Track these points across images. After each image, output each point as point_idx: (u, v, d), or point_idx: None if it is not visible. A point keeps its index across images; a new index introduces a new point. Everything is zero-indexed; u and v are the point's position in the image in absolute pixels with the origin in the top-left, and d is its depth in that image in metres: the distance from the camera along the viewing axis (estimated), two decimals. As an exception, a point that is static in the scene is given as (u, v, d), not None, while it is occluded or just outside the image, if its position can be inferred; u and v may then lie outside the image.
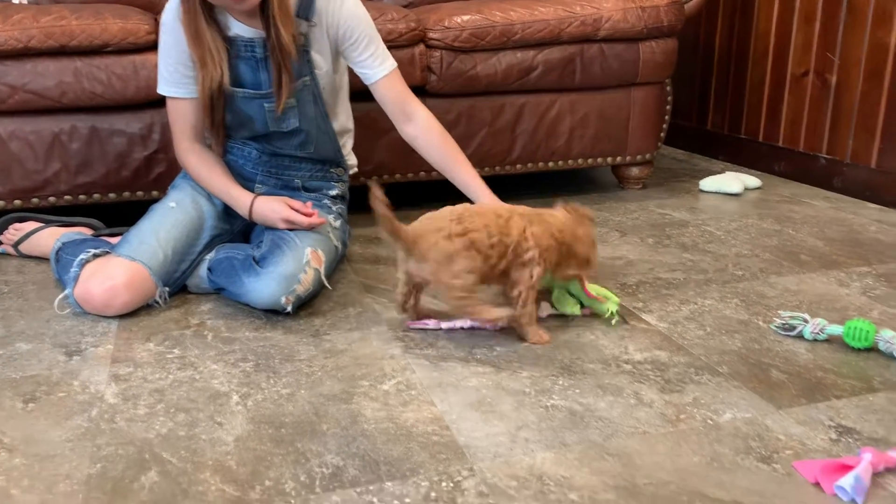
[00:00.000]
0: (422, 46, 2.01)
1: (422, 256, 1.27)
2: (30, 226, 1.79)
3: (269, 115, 1.52)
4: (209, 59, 1.43)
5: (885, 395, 1.13)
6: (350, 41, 1.53)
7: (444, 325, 1.37)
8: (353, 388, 1.18)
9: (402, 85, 1.61)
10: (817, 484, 0.93)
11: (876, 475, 0.94)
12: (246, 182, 1.60)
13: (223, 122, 1.54)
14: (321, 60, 1.54)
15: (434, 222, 1.29)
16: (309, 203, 1.55)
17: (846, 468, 0.93)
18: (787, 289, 1.55)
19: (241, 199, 1.54)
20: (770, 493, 0.92)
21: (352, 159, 1.75)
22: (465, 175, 1.61)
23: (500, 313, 1.29)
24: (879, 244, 1.82)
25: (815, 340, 1.31)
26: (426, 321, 1.37)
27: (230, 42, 1.47)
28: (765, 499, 0.91)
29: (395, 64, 1.60)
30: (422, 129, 1.61)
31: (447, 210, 1.32)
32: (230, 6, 1.41)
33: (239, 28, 1.47)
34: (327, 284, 1.51)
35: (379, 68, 1.57)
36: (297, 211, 1.50)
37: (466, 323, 1.36)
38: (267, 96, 1.50)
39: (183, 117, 1.55)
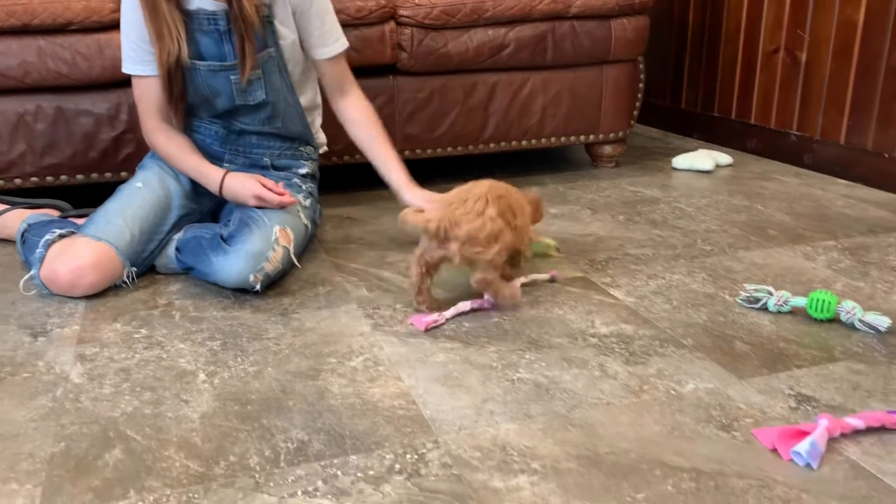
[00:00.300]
0: (392, 24, 1.99)
1: (468, 238, 1.27)
2: (-5, 208, 1.77)
3: (236, 88, 1.51)
4: (166, 32, 1.42)
5: (845, 365, 1.16)
6: (305, 14, 1.53)
7: (448, 314, 1.33)
8: (321, 365, 1.18)
9: (345, 65, 1.65)
10: (775, 450, 0.95)
11: (832, 441, 0.96)
12: (213, 161, 1.59)
13: (182, 97, 1.52)
14: (286, 31, 1.52)
15: (471, 204, 1.29)
16: (281, 184, 1.54)
17: (803, 434, 0.95)
18: (754, 263, 1.56)
19: (211, 175, 1.53)
20: (729, 460, 0.93)
21: (321, 137, 1.74)
22: (387, 155, 1.64)
23: (516, 289, 1.36)
24: (846, 218, 1.84)
25: (779, 312, 1.33)
26: (434, 317, 1.31)
27: (191, 16, 1.45)
28: (723, 465, 0.92)
29: (347, 44, 1.61)
30: (354, 106, 1.65)
31: (473, 191, 1.32)
32: None
33: (200, 1, 1.45)
34: (297, 263, 1.50)
35: (329, 47, 1.58)
36: (268, 189, 1.49)
37: (467, 306, 1.35)
38: (232, 68, 1.49)
39: (149, 96, 1.53)
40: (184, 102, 1.54)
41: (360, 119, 1.65)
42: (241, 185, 1.50)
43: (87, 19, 1.75)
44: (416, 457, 0.95)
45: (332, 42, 1.58)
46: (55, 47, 1.76)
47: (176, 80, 1.48)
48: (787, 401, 1.06)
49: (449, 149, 2.17)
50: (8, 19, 1.70)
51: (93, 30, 1.77)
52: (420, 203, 1.53)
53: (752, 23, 2.49)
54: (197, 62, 1.48)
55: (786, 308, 1.32)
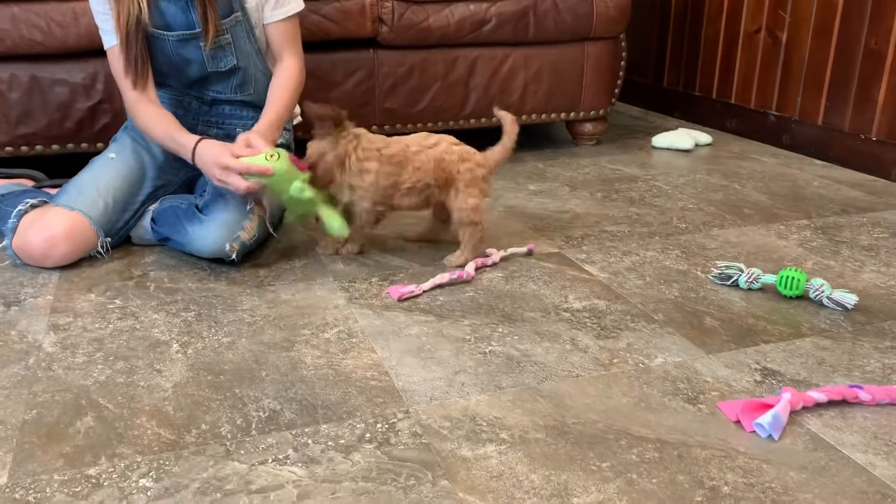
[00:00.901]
0: (373, -3, 1.98)
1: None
2: (-31, 177, 1.75)
3: (206, 55, 1.50)
4: None
5: (811, 340, 1.18)
6: None
7: (425, 286, 1.34)
8: (295, 336, 1.18)
9: (291, 33, 1.57)
10: (738, 422, 0.97)
11: (794, 413, 0.98)
12: None
13: (143, 61, 1.47)
14: None
15: (454, 147, 1.46)
16: (256, 143, 1.42)
17: (766, 407, 0.97)
18: (728, 241, 1.58)
19: (183, 141, 1.43)
20: (693, 431, 0.95)
21: (294, 108, 1.72)
22: (266, 111, 1.52)
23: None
24: (820, 198, 1.86)
25: (750, 289, 1.35)
26: (410, 288, 1.32)
27: None
28: (687, 436, 0.94)
29: (294, 10, 1.55)
30: (279, 70, 1.56)
31: (442, 138, 1.46)
32: None
33: None
34: (273, 233, 1.50)
35: (274, 12, 1.53)
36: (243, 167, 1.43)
37: (445, 279, 1.36)
38: (200, 36, 1.47)
39: (121, 66, 1.51)
40: (146, 68, 1.48)
41: (275, 80, 1.55)
42: (210, 153, 1.38)
43: (61, -14, 1.72)
44: (386, 426, 0.96)
45: (281, 6, 1.53)
46: (29, 14, 1.73)
47: (133, 43, 1.44)
48: (753, 375, 1.08)
49: (429, 124, 2.16)
50: (-20, -15, 1.67)
51: (68, -3, 1.75)
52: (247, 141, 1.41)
53: (734, 2, 2.50)
54: (165, 33, 1.46)
55: (756, 285, 1.34)
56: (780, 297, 1.32)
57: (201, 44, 1.48)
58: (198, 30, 1.46)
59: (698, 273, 1.42)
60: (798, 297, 1.31)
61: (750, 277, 1.34)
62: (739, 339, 1.18)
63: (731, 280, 1.36)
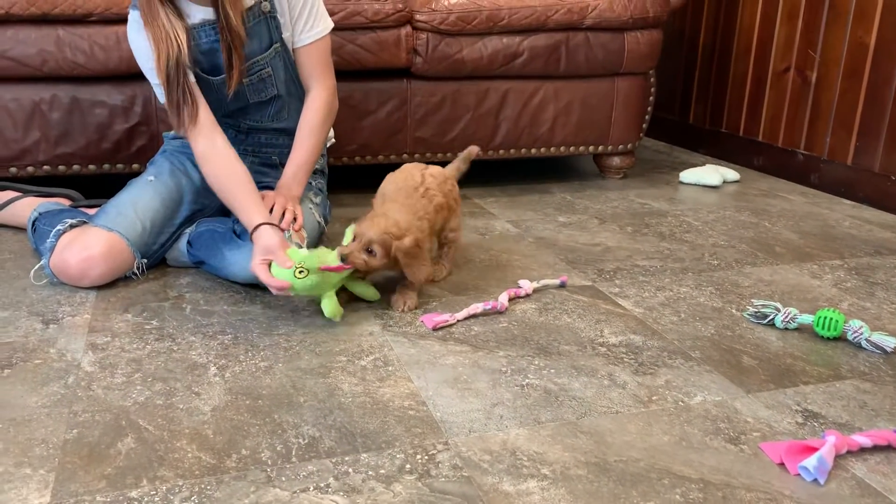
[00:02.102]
0: (408, 28, 2.00)
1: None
2: (7, 195, 1.77)
3: (250, 89, 1.52)
4: (163, 36, 1.39)
5: (852, 383, 1.16)
6: (290, 1, 1.50)
7: (459, 315, 1.34)
8: (331, 363, 1.18)
9: (321, 57, 1.56)
10: (782, 464, 0.96)
11: (839, 457, 0.97)
12: None
13: (186, 101, 1.43)
14: (285, 22, 1.51)
15: (432, 171, 1.50)
16: (296, 224, 1.44)
17: (810, 450, 0.96)
18: (761, 279, 1.57)
19: (244, 219, 1.38)
20: (736, 472, 0.94)
21: (325, 140, 1.74)
22: (293, 156, 1.53)
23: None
24: (852, 239, 1.85)
25: (786, 329, 1.34)
26: (444, 317, 1.32)
27: (195, 31, 1.44)
28: (731, 477, 0.93)
29: (324, 32, 1.54)
30: (307, 105, 1.56)
31: (416, 169, 1.50)
32: None
33: (203, 13, 1.44)
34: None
35: (303, 35, 1.53)
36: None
37: (479, 308, 1.36)
38: (245, 72, 1.49)
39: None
40: (193, 110, 1.44)
41: (303, 118, 1.55)
42: (264, 236, 1.33)
43: (106, 11, 1.76)
44: (426, 457, 0.95)
45: (308, 29, 1.53)
46: (74, 37, 1.76)
47: (175, 85, 1.42)
48: (795, 416, 1.07)
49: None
50: (29, 8, 1.70)
51: (112, 21, 1.78)
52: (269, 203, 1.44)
53: (763, 41, 2.51)
54: (211, 77, 1.48)
55: (793, 325, 1.33)
56: (818, 337, 1.31)
57: (244, 80, 1.49)
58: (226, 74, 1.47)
59: (733, 311, 1.41)
60: (836, 339, 1.30)
61: (786, 317, 1.33)
62: (778, 379, 1.17)
63: (768, 319, 1.35)
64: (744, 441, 1.01)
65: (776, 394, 1.13)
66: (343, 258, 1.30)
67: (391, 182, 1.48)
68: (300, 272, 1.26)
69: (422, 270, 1.35)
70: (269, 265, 1.29)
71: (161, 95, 1.46)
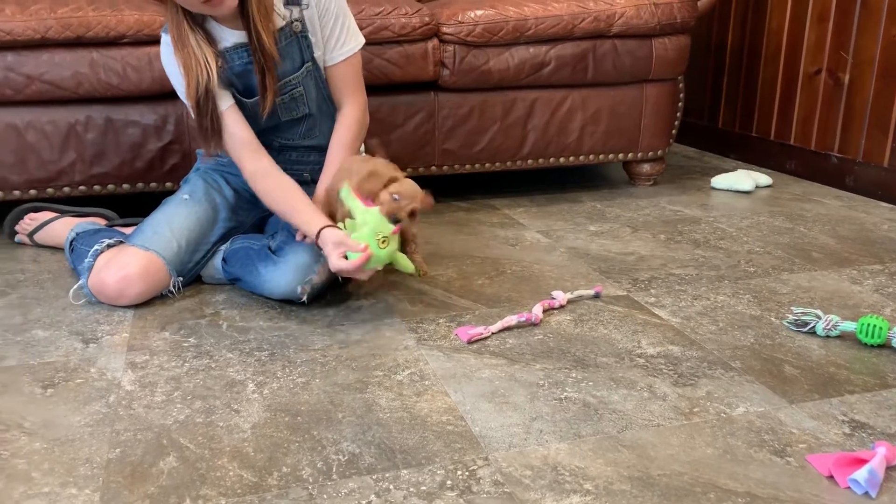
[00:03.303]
0: (435, 41, 2.01)
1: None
2: (45, 216, 1.80)
3: (282, 108, 1.53)
4: (193, 62, 1.40)
5: (899, 391, 1.14)
6: (322, 18, 1.51)
7: (494, 328, 1.33)
8: (368, 377, 1.18)
9: (352, 74, 1.57)
10: (831, 477, 0.94)
11: (890, 469, 0.95)
12: None
13: (214, 127, 1.46)
14: (316, 41, 1.52)
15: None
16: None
17: (860, 462, 0.94)
18: (800, 286, 1.55)
19: (306, 226, 1.41)
20: (783, 486, 0.92)
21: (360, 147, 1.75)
22: (325, 174, 1.54)
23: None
24: (892, 242, 1.81)
25: (828, 337, 1.32)
26: (479, 330, 1.32)
27: (227, 55, 1.45)
28: (778, 491, 0.91)
29: (354, 49, 1.55)
30: (339, 123, 1.57)
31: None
32: (206, 11, 1.38)
33: (234, 36, 1.45)
34: (341, 278, 1.51)
35: (335, 53, 1.53)
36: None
37: (513, 321, 1.35)
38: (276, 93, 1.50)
39: (231, 133, 1.47)
40: (217, 133, 1.47)
41: (334, 136, 1.57)
42: (330, 236, 1.35)
43: (139, 32, 1.79)
44: (467, 473, 0.95)
45: (340, 47, 1.53)
46: (107, 59, 1.79)
47: (206, 110, 1.43)
48: (841, 427, 1.05)
49: (487, 164, 2.18)
50: (63, 31, 1.74)
51: (143, 43, 1.81)
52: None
53: (793, 44, 2.48)
54: (245, 99, 1.50)
55: (835, 332, 1.31)
56: (861, 345, 1.28)
57: (276, 101, 1.50)
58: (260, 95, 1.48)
59: (772, 319, 1.39)
60: (880, 346, 1.28)
61: (828, 324, 1.31)
62: (822, 388, 1.15)
63: (808, 327, 1.33)
64: (790, 453, 0.99)
65: (821, 404, 1.11)
66: (394, 220, 1.34)
67: (350, 162, 1.49)
68: (382, 241, 1.31)
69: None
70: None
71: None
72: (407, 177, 1.43)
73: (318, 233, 1.36)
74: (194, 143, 1.90)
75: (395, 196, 1.35)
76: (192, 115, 1.46)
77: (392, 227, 1.33)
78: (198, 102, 1.42)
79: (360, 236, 1.32)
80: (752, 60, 2.66)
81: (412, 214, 1.37)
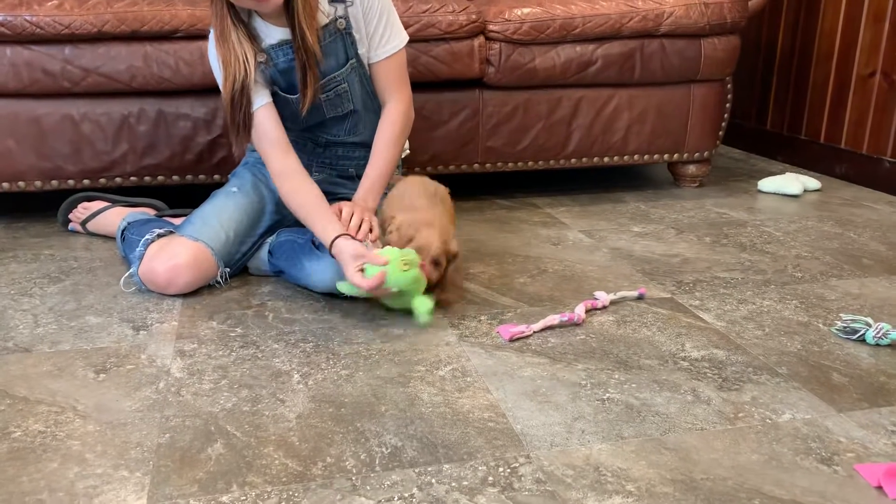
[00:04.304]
0: (481, 38, 2.01)
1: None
2: (97, 205, 1.85)
3: (327, 105, 1.55)
4: (233, 57, 1.42)
5: (952, 403, 1.11)
6: (366, 16, 1.52)
7: (536, 326, 1.34)
8: (410, 372, 1.20)
9: (397, 71, 1.57)
10: (880, 488, 0.92)
11: (942, 482, 0.93)
12: None
13: (245, 124, 1.47)
14: (360, 38, 1.53)
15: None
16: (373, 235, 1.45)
17: (911, 473, 0.92)
18: (849, 292, 1.52)
19: (321, 234, 1.41)
20: (830, 495, 0.91)
21: (400, 154, 1.75)
22: (370, 168, 1.55)
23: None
24: (946, 250, 1.77)
25: (878, 345, 1.29)
26: (521, 328, 1.32)
27: (274, 50, 1.47)
28: (825, 499, 0.90)
29: (399, 46, 1.55)
30: (384, 119, 1.58)
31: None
32: (253, 7, 1.41)
33: (280, 33, 1.47)
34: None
35: (380, 50, 1.54)
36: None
37: (555, 320, 1.35)
38: (320, 91, 1.52)
39: (263, 130, 1.48)
40: (247, 130, 1.48)
41: (379, 132, 1.57)
42: (345, 247, 1.35)
43: (191, 27, 1.82)
44: (508, 470, 0.95)
45: (384, 44, 1.54)
46: (160, 53, 1.83)
47: (239, 105, 1.45)
48: (891, 437, 1.03)
49: (530, 163, 2.17)
50: (119, 25, 1.78)
51: (196, 37, 1.84)
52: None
53: (846, 45, 2.43)
54: (289, 96, 1.52)
55: (885, 341, 1.28)
56: (913, 354, 1.26)
57: (320, 97, 1.52)
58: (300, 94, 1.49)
59: (820, 325, 1.37)
60: (933, 356, 1.25)
61: (878, 332, 1.28)
62: (871, 397, 1.13)
63: (858, 335, 1.30)
64: (837, 462, 0.97)
65: (870, 413, 1.09)
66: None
67: (410, 185, 1.52)
68: (405, 264, 1.28)
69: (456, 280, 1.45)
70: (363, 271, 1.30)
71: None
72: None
73: (333, 241, 1.36)
74: (242, 136, 1.93)
75: (417, 249, 1.35)
76: (226, 109, 1.47)
77: (419, 259, 1.32)
78: (233, 98, 1.44)
79: (384, 252, 1.31)
80: (803, 61, 2.61)
81: (436, 264, 1.38)
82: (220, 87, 1.48)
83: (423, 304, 1.32)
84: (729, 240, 1.84)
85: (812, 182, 2.33)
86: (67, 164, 1.88)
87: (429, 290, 1.38)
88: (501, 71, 2.03)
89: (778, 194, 2.27)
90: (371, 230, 1.45)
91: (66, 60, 1.79)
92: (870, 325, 1.30)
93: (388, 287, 1.30)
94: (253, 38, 1.46)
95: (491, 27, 2.01)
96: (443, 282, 1.42)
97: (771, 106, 2.79)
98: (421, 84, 1.97)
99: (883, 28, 2.28)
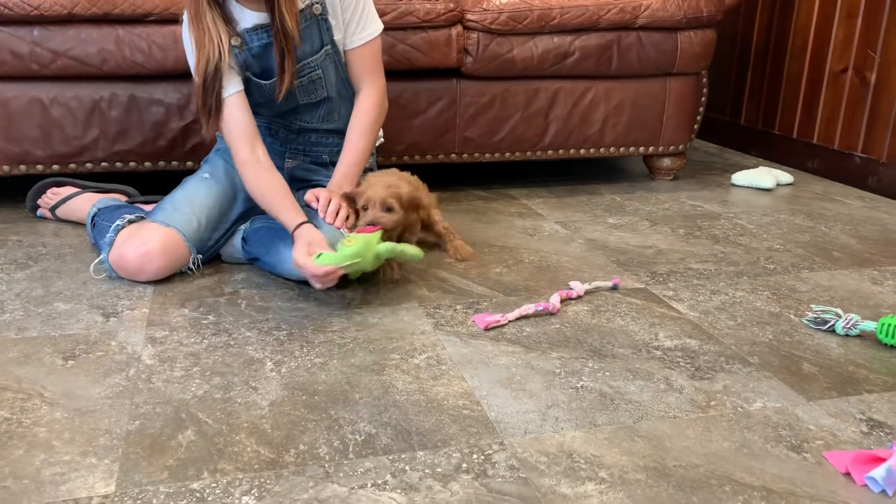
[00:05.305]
0: (459, 28, 2.00)
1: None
2: (67, 190, 1.82)
3: (300, 91, 1.53)
4: (207, 39, 1.40)
5: (918, 392, 1.13)
6: (343, 1, 1.50)
7: (510, 316, 1.34)
8: (385, 360, 1.19)
9: (372, 58, 1.56)
10: (848, 474, 0.93)
11: (907, 469, 0.94)
12: (275, 160, 1.58)
13: (217, 107, 1.45)
14: (336, 24, 1.52)
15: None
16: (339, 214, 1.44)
17: (878, 460, 0.93)
18: (819, 284, 1.54)
19: (285, 221, 1.41)
20: (800, 481, 0.92)
21: (374, 142, 1.74)
22: (344, 156, 1.54)
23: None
24: (914, 244, 1.80)
25: (847, 336, 1.31)
26: (496, 317, 1.32)
27: (249, 34, 1.46)
28: (794, 486, 0.91)
29: (375, 33, 1.55)
30: (358, 107, 1.57)
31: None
32: None
33: (255, 18, 1.45)
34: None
35: (355, 37, 1.53)
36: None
37: (530, 309, 1.35)
38: (294, 76, 1.50)
39: (233, 120, 1.46)
40: (218, 114, 1.46)
41: (353, 120, 1.56)
42: (297, 246, 1.35)
43: (165, 10, 1.79)
44: (482, 457, 0.95)
45: (360, 31, 1.53)
46: (133, 37, 1.80)
47: (211, 90, 1.43)
48: (859, 425, 1.04)
49: (507, 154, 2.17)
50: (90, 7, 1.74)
51: (169, 21, 1.82)
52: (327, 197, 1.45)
53: (819, 41, 2.45)
54: (262, 81, 1.50)
55: (854, 331, 1.30)
56: (881, 345, 1.28)
57: (295, 82, 1.51)
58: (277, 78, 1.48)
59: (791, 316, 1.38)
60: (900, 347, 1.27)
61: (848, 323, 1.30)
62: (840, 386, 1.14)
63: (828, 325, 1.32)
64: (807, 449, 0.98)
65: (839, 402, 1.10)
66: (371, 223, 1.39)
67: (383, 172, 1.56)
68: (347, 239, 1.31)
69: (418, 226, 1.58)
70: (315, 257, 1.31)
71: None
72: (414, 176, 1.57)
73: (296, 228, 1.37)
74: (216, 123, 1.91)
75: (364, 206, 1.44)
76: (198, 92, 1.45)
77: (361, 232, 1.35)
78: (205, 80, 1.42)
79: (337, 251, 1.31)
80: (778, 57, 2.64)
81: (389, 210, 1.43)
82: (192, 69, 1.46)
83: (413, 252, 1.39)
84: (702, 232, 1.85)
85: (785, 176, 2.35)
86: (36, 148, 1.84)
87: (400, 237, 1.49)
88: (479, 61, 2.03)
89: (751, 188, 2.29)
90: (347, 217, 1.44)
91: (34, 42, 1.75)
92: (839, 316, 1.32)
93: (358, 266, 1.32)
94: (228, 20, 1.44)
95: (469, 16, 2.00)
96: (413, 227, 1.56)
97: (745, 101, 2.81)
98: (398, 72, 1.96)
99: (855, 24, 2.31)
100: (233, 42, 1.44)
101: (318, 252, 1.30)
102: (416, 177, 1.58)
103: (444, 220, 1.69)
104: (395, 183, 1.47)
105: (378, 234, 1.35)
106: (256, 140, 1.48)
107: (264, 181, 1.46)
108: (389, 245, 1.35)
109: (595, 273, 1.56)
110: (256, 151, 1.47)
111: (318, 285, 1.35)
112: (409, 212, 1.50)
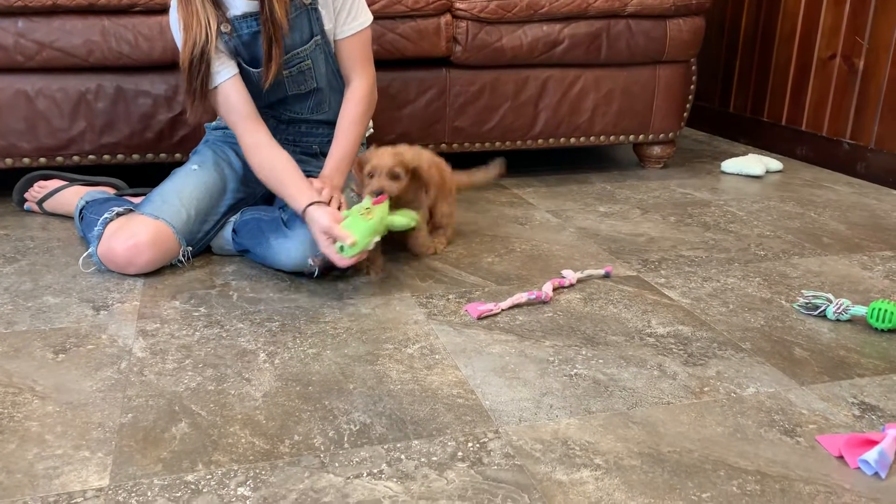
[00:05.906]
0: (448, 16, 1.99)
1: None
2: (54, 184, 1.80)
3: (289, 81, 1.52)
4: (194, 21, 1.39)
5: (908, 376, 1.14)
6: None
7: (504, 304, 1.33)
8: (378, 350, 1.19)
9: (362, 49, 1.55)
10: (841, 457, 0.94)
11: (899, 451, 0.95)
12: None
13: (202, 90, 1.44)
14: (327, 15, 1.50)
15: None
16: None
17: (870, 443, 0.94)
18: (810, 270, 1.54)
19: (293, 202, 1.40)
20: (793, 465, 0.92)
21: (364, 132, 1.73)
22: (334, 147, 1.53)
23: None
24: (902, 230, 1.81)
25: (838, 321, 1.31)
26: (489, 306, 1.32)
27: (238, 22, 1.44)
28: (788, 469, 0.92)
29: (365, 24, 1.54)
30: (348, 97, 1.56)
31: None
32: None
33: (244, 6, 1.44)
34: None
35: (345, 27, 1.52)
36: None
37: (523, 298, 1.35)
38: (284, 65, 1.49)
39: (231, 100, 1.45)
40: (203, 98, 1.45)
41: (343, 110, 1.55)
42: (318, 219, 1.34)
43: (151, 1, 1.77)
44: (477, 445, 0.95)
45: (351, 21, 1.52)
46: (118, 27, 1.78)
47: (197, 72, 1.41)
48: (851, 409, 1.05)
49: (497, 143, 2.17)
50: (75, -2, 1.72)
51: (156, 11, 1.80)
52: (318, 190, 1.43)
53: (808, 28, 2.46)
54: (251, 69, 1.49)
55: (845, 316, 1.31)
56: (871, 329, 1.28)
57: (283, 72, 1.49)
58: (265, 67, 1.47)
59: (783, 302, 1.39)
60: (890, 331, 1.27)
61: (838, 308, 1.31)
62: (832, 371, 1.15)
63: (819, 310, 1.33)
64: (800, 433, 0.99)
65: (831, 386, 1.11)
66: (376, 193, 1.40)
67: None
68: (367, 210, 1.34)
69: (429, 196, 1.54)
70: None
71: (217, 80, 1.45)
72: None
73: (305, 209, 1.36)
74: (205, 114, 1.89)
75: (370, 173, 1.43)
76: (184, 74, 1.43)
77: (371, 202, 1.38)
78: (191, 62, 1.41)
79: (346, 225, 1.31)
80: (766, 44, 2.64)
81: (395, 177, 1.44)
82: (180, 52, 1.44)
83: (404, 221, 1.42)
84: (693, 219, 1.86)
85: (774, 163, 2.36)
86: (22, 141, 1.82)
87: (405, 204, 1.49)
88: (468, 50, 2.02)
89: (741, 175, 2.30)
90: (339, 207, 1.43)
91: (19, 34, 1.73)
92: (830, 301, 1.32)
93: (368, 248, 1.33)
94: (217, 4, 1.43)
95: (458, 5, 1.99)
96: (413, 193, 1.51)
97: (734, 88, 2.82)
98: (387, 62, 1.95)
99: (843, 11, 2.32)
100: (223, 28, 1.43)
101: (338, 244, 1.30)
102: (441, 159, 1.62)
103: (452, 217, 1.66)
104: (400, 150, 1.47)
105: (386, 205, 1.39)
106: (259, 122, 1.48)
107: (273, 160, 1.45)
108: (397, 218, 1.41)
109: (587, 261, 1.56)
110: (260, 134, 1.47)
111: (342, 264, 1.35)
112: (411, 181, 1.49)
